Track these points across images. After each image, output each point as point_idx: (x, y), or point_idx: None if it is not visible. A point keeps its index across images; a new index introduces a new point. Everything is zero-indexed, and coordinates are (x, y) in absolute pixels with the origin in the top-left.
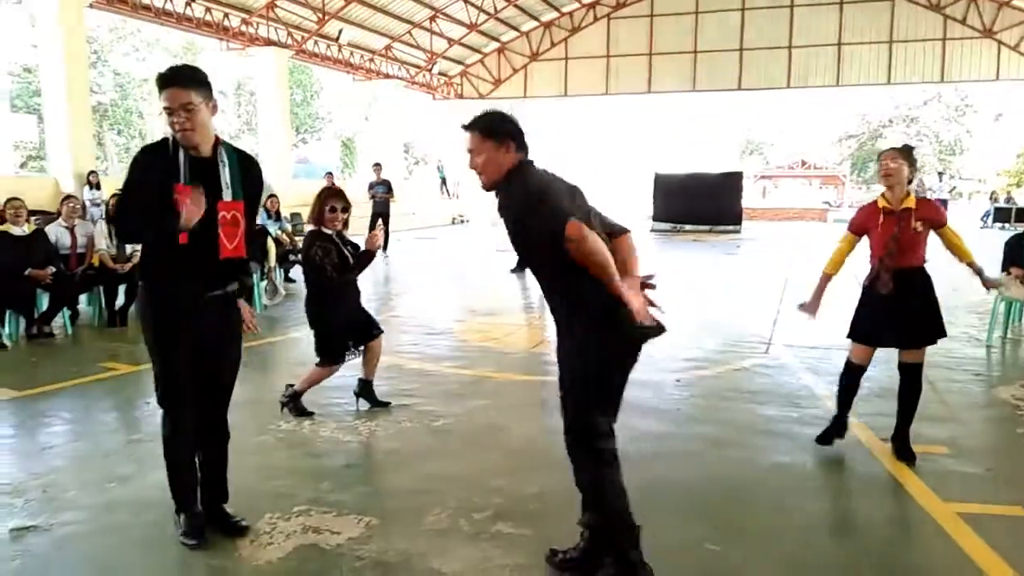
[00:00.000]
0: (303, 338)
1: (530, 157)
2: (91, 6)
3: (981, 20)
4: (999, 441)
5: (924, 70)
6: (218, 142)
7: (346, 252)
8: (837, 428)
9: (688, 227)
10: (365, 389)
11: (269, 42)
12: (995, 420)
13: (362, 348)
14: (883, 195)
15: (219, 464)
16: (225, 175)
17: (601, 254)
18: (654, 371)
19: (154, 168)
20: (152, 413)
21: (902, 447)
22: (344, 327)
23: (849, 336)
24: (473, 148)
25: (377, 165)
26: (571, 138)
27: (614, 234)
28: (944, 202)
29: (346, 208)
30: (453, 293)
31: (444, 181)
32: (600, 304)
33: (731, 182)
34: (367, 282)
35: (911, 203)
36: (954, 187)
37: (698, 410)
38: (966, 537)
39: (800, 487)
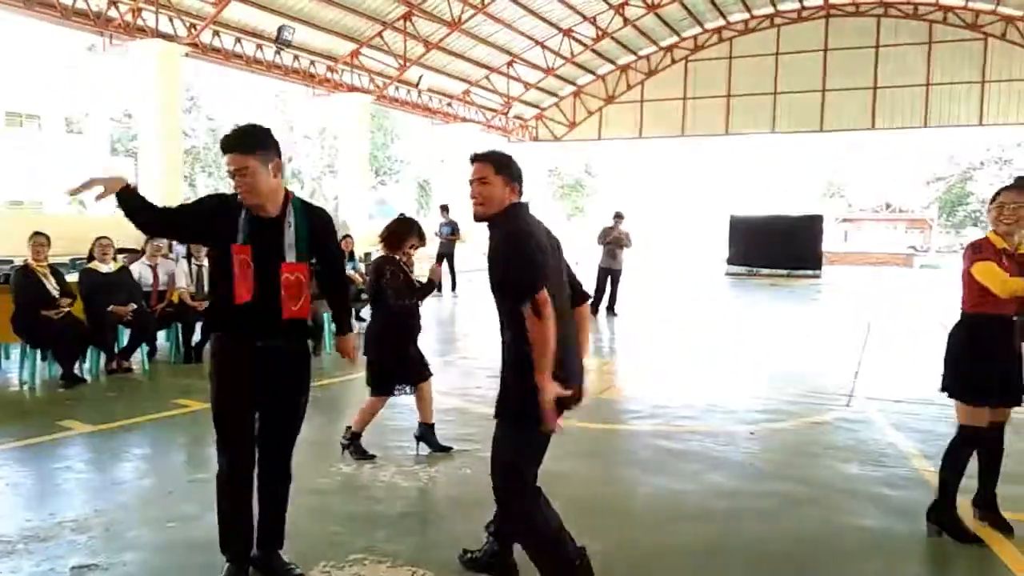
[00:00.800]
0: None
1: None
2: (187, 55)
3: None
4: None
5: (1019, 110)
6: (287, 200)
7: (412, 277)
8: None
9: (764, 271)
10: (426, 433)
11: (352, 88)
12: None
13: (412, 389)
14: (996, 234)
15: (278, 508)
16: (289, 235)
17: (546, 337)
18: (728, 422)
19: (217, 217)
20: None
21: (994, 514)
22: (399, 362)
23: (975, 401)
24: (483, 177)
25: (444, 207)
26: (646, 179)
27: (576, 299)
28: None
29: (422, 246)
30: None
31: None
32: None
33: (811, 225)
34: (432, 321)
35: None
36: None
37: (773, 466)
38: None
39: (885, 554)
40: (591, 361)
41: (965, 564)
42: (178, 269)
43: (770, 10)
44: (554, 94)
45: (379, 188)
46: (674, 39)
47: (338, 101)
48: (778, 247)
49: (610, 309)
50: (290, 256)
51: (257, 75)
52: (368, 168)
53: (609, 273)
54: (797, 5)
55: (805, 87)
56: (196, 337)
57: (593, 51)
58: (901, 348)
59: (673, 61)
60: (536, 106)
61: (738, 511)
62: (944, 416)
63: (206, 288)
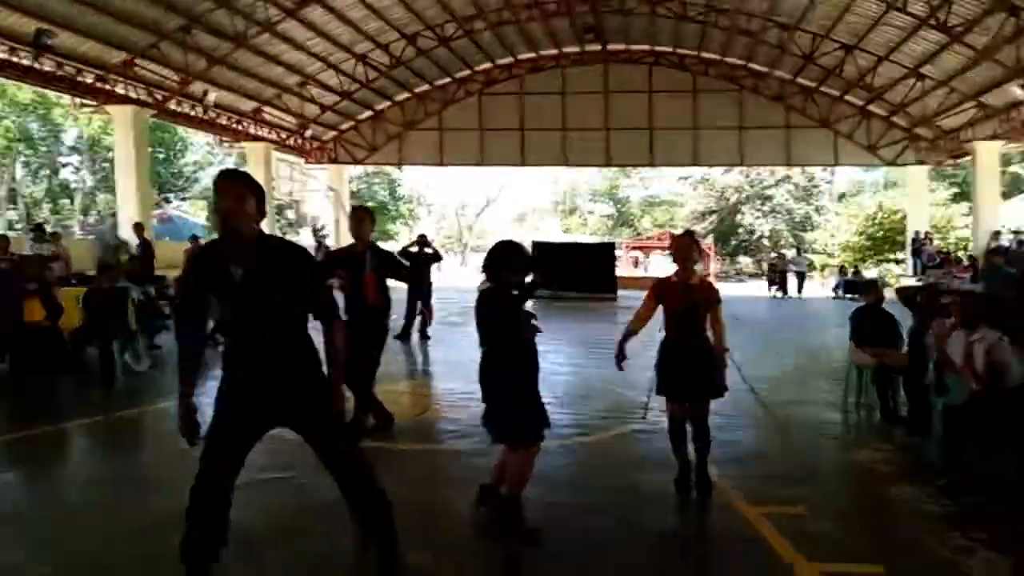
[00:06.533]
0: (171, 408)
1: None
2: None
3: (818, 111)
4: (855, 500)
5: (772, 154)
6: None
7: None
8: None
9: (568, 294)
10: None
11: (127, 100)
12: (851, 481)
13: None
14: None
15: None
16: None
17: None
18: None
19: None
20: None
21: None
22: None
23: None
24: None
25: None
26: (451, 203)
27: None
28: (803, 275)
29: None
30: None
31: (320, 244)
32: None
33: (605, 251)
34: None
35: None
36: (810, 261)
37: (582, 476)
38: None
39: (675, 551)
40: (406, 385)
41: (742, 553)
42: None
43: (555, 51)
44: (352, 117)
45: (164, 205)
46: (467, 72)
47: (111, 113)
48: (578, 272)
49: (423, 333)
50: None
51: (11, 82)
52: (149, 186)
53: (418, 296)
54: (578, 49)
55: (591, 124)
56: None
57: (389, 78)
58: None
59: (468, 93)
60: (334, 128)
61: (547, 520)
62: (725, 424)
63: None
